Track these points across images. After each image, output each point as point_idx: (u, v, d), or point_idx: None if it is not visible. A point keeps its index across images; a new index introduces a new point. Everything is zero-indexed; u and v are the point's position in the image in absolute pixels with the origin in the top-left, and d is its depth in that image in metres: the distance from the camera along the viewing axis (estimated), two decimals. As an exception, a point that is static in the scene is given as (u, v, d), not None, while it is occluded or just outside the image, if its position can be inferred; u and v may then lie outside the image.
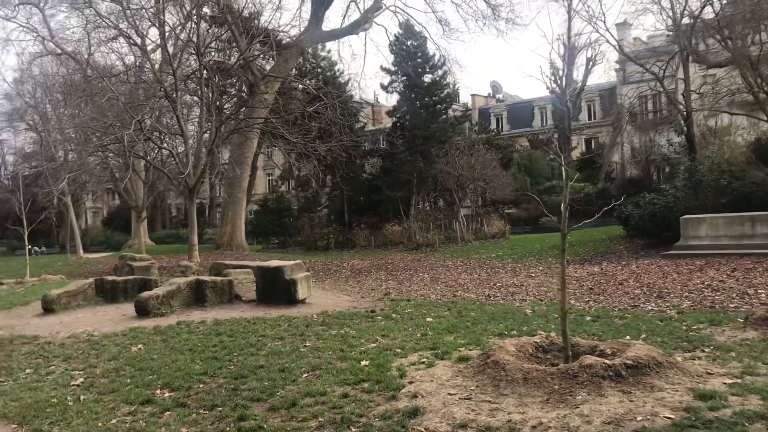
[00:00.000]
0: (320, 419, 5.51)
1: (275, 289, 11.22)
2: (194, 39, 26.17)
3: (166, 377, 7.06)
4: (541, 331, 8.48)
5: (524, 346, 6.76)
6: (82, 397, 6.65)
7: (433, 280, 17.20)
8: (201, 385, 6.72)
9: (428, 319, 9.81)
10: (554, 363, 6.51)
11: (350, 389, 6.22)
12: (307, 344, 8.23)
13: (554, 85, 46.92)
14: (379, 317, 10.15)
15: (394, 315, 10.33)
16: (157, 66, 30.58)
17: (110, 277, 12.88)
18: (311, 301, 11.74)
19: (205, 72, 26.91)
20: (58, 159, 39.66)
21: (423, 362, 6.94)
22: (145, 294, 10.80)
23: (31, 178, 54.71)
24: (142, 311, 10.61)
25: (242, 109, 35.95)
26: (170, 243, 52.96)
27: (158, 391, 6.63)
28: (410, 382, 6.24)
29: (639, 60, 29.53)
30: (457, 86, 43.90)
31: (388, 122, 49.41)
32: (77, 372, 7.73)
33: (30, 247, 26.52)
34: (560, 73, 45.53)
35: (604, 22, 44.13)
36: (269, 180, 69.59)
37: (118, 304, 12.44)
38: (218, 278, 11.67)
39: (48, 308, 11.82)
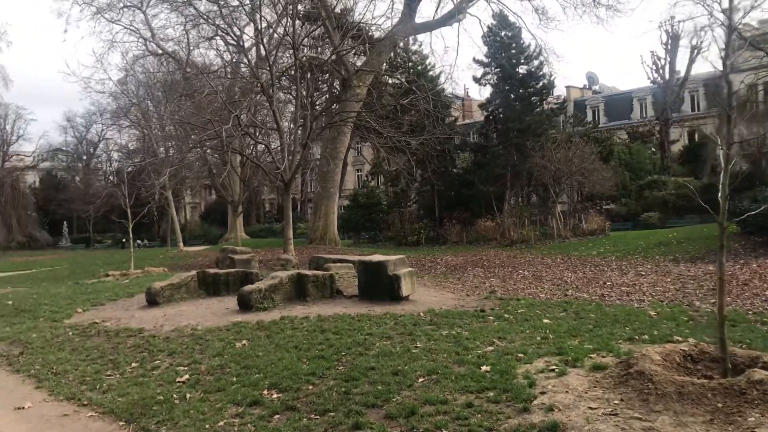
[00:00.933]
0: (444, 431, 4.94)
1: (378, 285, 10.74)
2: (290, 34, 26.19)
3: (273, 377, 6.69)
4: (678, 337, 7.58)
5: (670, 355, 5.94)
6: (188, 395, 6.38)
7: (537, 278, 16.32)
8: (310, 387, 6.30)
9: (545, 321, 9.05)
10: (707, 375, 5.67)
11: (474, 398, 5.61)
12: (418, 345, 7.66)
13: (656, 75, 44.60)
14: (491, 317, 9.46)
15: (506, 315, 9.62)
16: (253, 62, 30.95)
17: (212, 270, 12.79)
18: (414, 297, 11.18)
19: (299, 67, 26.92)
20: (160, 155, 41.03)
21: (552, 369, 6.23)
22: (248, 288, 10.58)
23: (135, 174, 57.22)
24: (245, 305, 10.39)
25: (334, 106, 35.95)
26: (264, 237, 53.95)
27: (266, 392, 6.27)
28: (542, 393, 5.57)
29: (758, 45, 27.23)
30: (553, 77, 42.18)
31: (478, 116, 48.35)
32: (182, 368, 7.51)
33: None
34: (662, 62, 43.20)
35: (719, 3, 41.07)
36: (358, 175, 70.00)
37: (220, 297, 12.34)
38: (320, 272, 11.31)
39: (152, 300, 11.84)
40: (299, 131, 27.46)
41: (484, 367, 6.45)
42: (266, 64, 26.36)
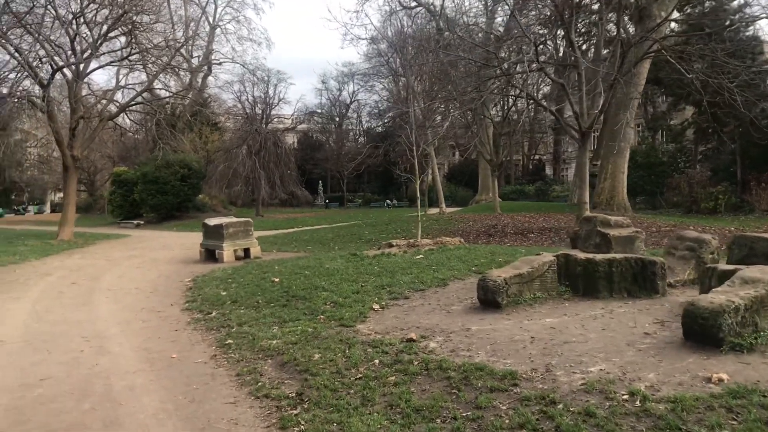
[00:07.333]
0: None
1: None
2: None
3: None
4: None
5: None
6: None
7: None
8: None
9: None
10: None
11: None
12: None
13: None
14: None
15: None
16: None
17: (581, 255, 7.63)
18: None
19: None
20: (414, 112, 37.92)
21: None
22: (709, 300, 5.17)
23: (385, 134, 55.46)
24: (707, 336, 5.12)
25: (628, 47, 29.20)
26: (515, 200, 49.29)
27: None
28: None
29: None
30: None
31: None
32: None
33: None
34: None
35: None
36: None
37: (600, 300, 7.31)
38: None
39: (490, 300, 7.19)
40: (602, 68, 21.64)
41: None
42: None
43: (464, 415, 4.43)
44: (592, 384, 4.65)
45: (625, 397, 4.38)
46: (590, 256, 7.59)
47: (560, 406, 4.34)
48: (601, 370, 5.00)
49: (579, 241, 8.79)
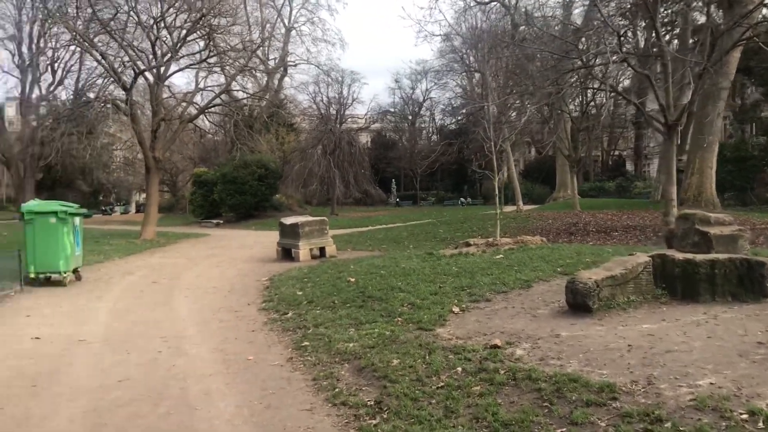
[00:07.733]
0: None
1: None
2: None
3: None
4: None
5: None
6: None
7: None
8: None
9: None
10: None
11: None
12: None
13: None
14: None
15: None
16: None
17: (680, 255, 6.98)
18: None
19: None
20: (488, 109, 37.27)
21: None
22: None
23: (458, 131, 54.84)
24: None
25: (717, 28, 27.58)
26: (594, 197, 47.70)
27: None
28: None
29: None
30: None
31: None
32: None
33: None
34: None
35: None
36: (702, 127, 59.32)
37: (701, 304, 6.68)
38: None
39: (579, 304, 6.71)
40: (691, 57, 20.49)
41: None
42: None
43: (558, 431, 4.05)
44: (702, 400, 4.17)
45: (744, 416, 3.89)
46: (689, 256, 7.00)
47: (668, 424, 3.89)
48: (711, 383, 4.50)
49: (675, 240, 8.16)
